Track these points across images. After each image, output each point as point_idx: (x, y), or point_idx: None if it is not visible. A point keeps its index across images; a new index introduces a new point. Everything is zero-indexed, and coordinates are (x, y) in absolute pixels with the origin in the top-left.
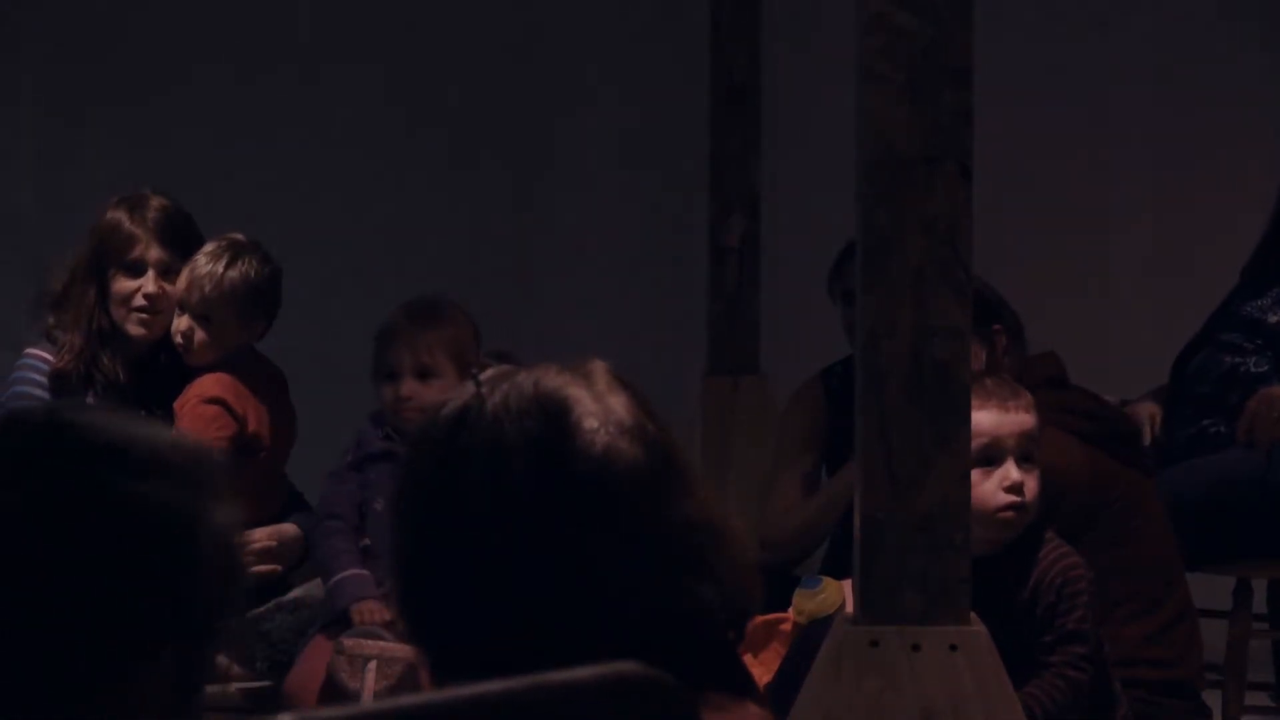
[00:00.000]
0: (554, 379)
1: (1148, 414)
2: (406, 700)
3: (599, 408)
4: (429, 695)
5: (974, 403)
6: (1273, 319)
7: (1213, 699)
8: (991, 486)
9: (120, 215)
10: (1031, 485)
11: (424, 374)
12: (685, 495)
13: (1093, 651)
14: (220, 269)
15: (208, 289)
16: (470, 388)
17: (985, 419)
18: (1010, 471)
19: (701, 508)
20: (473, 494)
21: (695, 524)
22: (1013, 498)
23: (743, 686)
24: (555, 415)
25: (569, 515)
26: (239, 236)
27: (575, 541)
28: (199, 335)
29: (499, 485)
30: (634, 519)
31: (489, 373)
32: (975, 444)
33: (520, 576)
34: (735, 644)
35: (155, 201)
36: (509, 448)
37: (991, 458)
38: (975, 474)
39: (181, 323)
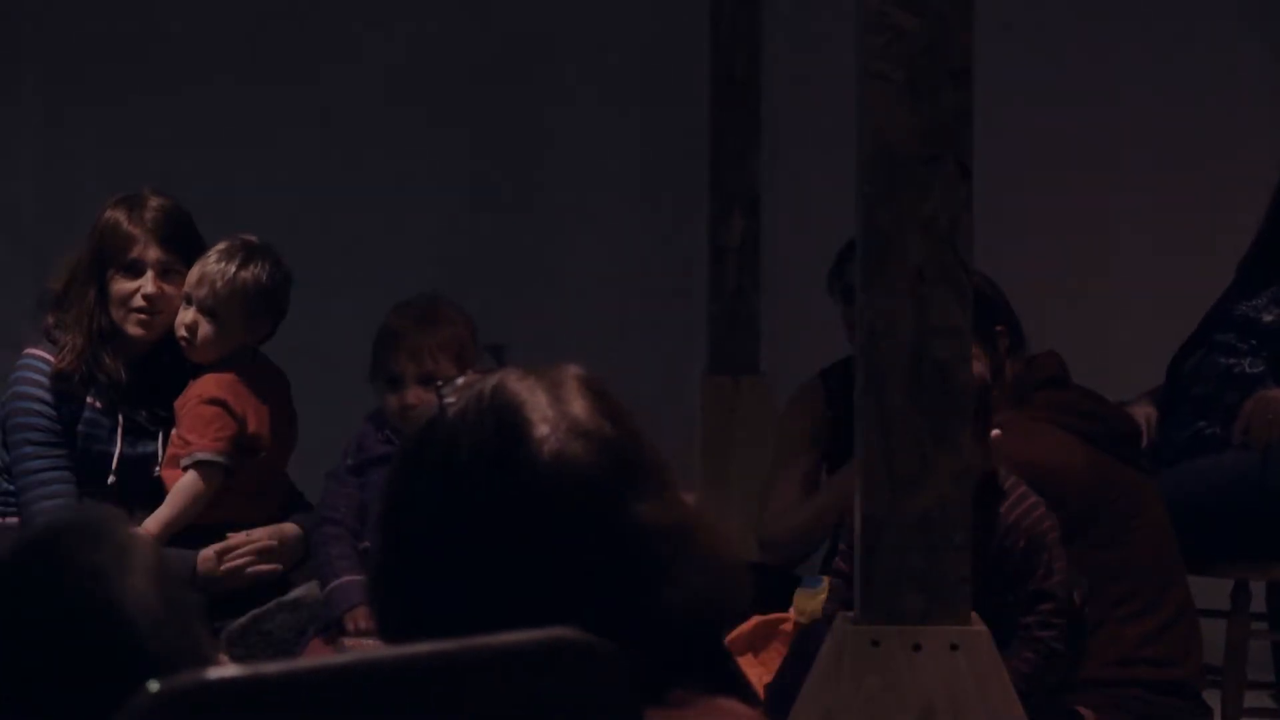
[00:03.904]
0: (514, 384)
1: (1143, 416)
2: (337, 660)
3: (555, 413)
4: (359, 655)
5: None
6: (1267, 318)
7: (1212, 699)
8: None
9: (119, 215)
10: None
11: (427, 380)
12: (646, 497)
13: (1062, 605)
14: (233, 268)
15: (218, 285)
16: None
17: None
18: None
19: (667, 509)
20: (429, 503)
21: (656, 526)
22: None
23: (732, 685)
24: (508, 422)
25: (518, 521)
26: (253, 238)
27: (526, 547)
28: (203, 330)
29: (452, 494)
30: (586, 523)
31: (461, 379)
32: None
33: (475, 583)
34: (711, 641)
35: (154, 201)
36: (461, 457)
37: None
38: None
39: (187, 316)
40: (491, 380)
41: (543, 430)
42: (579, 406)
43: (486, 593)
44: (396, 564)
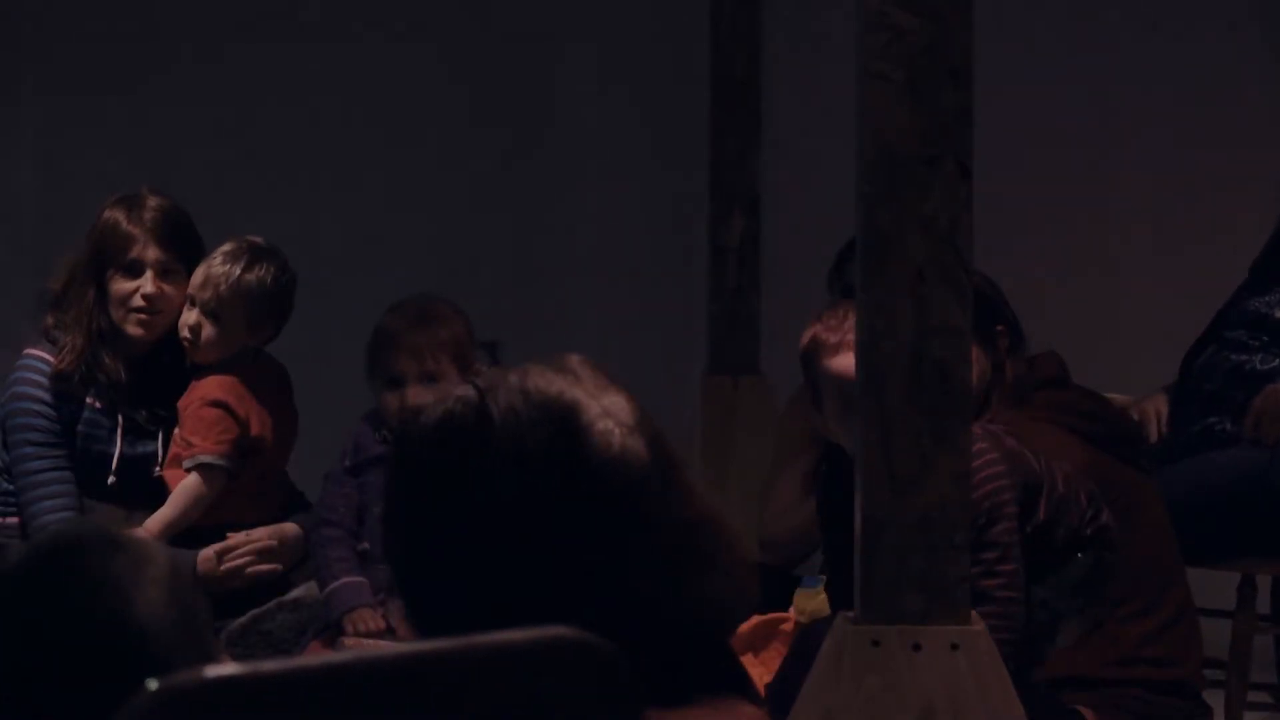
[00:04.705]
0: (554, 383)
1: (1155, 410)
2: (337, 659)
3: (601, 408)
4: (359, 654)
5: (839, 353)
6: (1278, 315)
7: (1216, 697)
8: None
9: (118, 215)
10: None
11: (428, 379)
12: (688, 489)
13: (1009, 554)
14: (237, 270)
15: (222, 288)
16: (471, 392)
17: (846, 364)
18: None
19: (703, 501)
20: (493, 503)
21: (700, 517)
22: None
23: (738, 685)
24: (567, 420)
25: (591, 517)
26: (259, 240)
27: (596, 541)
28: (206, 332)
29: (523, 493)
30: (637, 518)
31: (484, 378)
32: (845, 393)
33: (540, 579)
34: (721, 639)
35: (153, 201)
36: (529, 456)
37: None
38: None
39: (190, 317)
40: (524, 377)
41: (606, 425)
42: (616, 400)
43: (535, 590)
44: (443, 560)
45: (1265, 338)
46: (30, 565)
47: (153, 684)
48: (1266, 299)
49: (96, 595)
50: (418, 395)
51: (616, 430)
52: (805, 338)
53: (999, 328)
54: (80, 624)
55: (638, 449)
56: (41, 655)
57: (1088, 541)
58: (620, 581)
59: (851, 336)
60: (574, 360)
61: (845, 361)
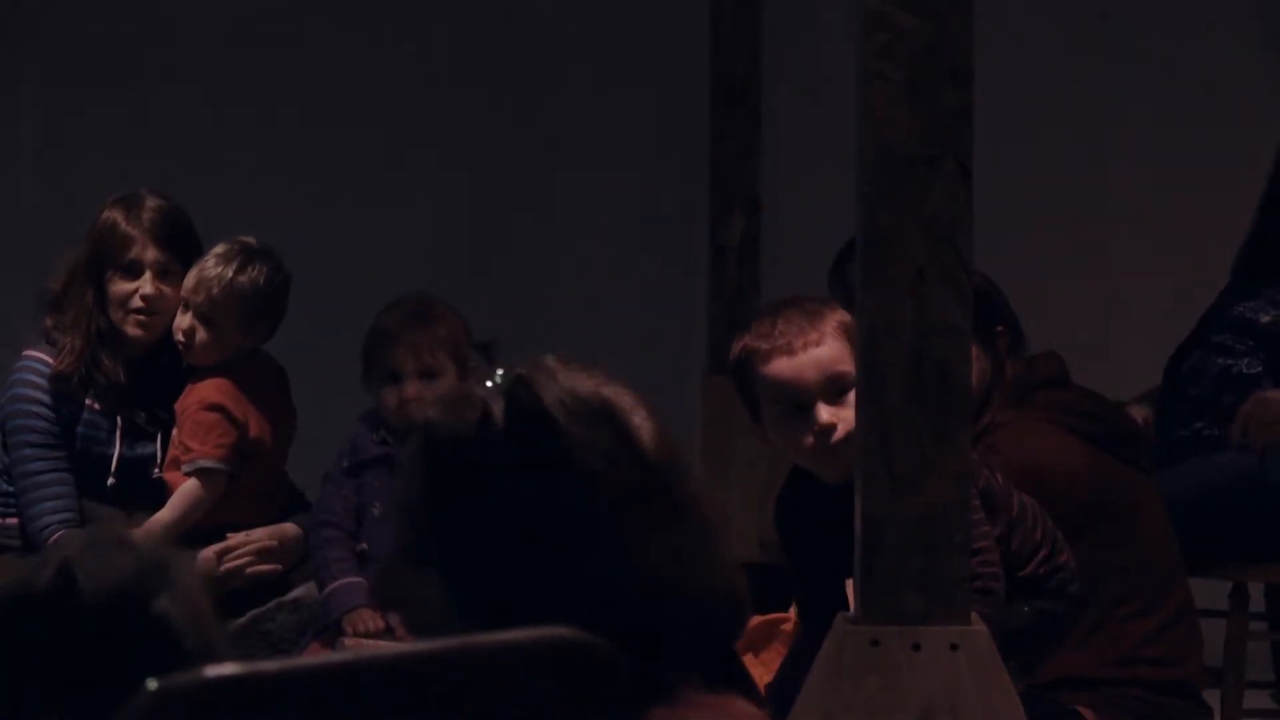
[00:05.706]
0: (584, 381)
1: (1140, 417)
2: (337, 658)
3: (629, 401)
4: (359, 654)
5: (773, 359)
6: (1264, 319)
7: (1212, 699)
8: (807, 434)
9: (116, 216)
10: (847, 415)
11: (427, 375)
12: (694, 486)
13: (983, 541)
14: (230, 273)
15: (214, 291)
16: (494, 390)
17: (780, 369)
18: (819, 415)
19: (707, 500)
20: (563, 500)
21: (704, 516)
22: (813, 439)
23: (739, 685)
24: (611, 415)
25: (608, 516)
26: (251, 240)
27: (606, 540)
28: (200, 335)
29: (543, 494)
30: (659, 512)
31: (523, 372)
32: (783, 399)
33: (545, 578)
34: (723, 638)
35: (151, 202)
36: (588, 454)
37: (802, 404)
38: (795, 423)
39: (184, 320)
40: (551, 375)
41: (640, 417)
42: (630, 395)
43: (539, 589)
44: (443, 564)
45: (1251, 342)
46: (71, 568)
47: (153, 684)
48: (1251, 304)
49: (130, 594)
50: (417, 390)
51: (646, 423)
52: (735, 350)
53: (999, 328)
54: (118, 622)
55: (662, 441)
56: (83, 654)
57: (1038, 584)
58: (624, 580)
59: (783, 342)
60: (548, 358)
61: (780, 366)
